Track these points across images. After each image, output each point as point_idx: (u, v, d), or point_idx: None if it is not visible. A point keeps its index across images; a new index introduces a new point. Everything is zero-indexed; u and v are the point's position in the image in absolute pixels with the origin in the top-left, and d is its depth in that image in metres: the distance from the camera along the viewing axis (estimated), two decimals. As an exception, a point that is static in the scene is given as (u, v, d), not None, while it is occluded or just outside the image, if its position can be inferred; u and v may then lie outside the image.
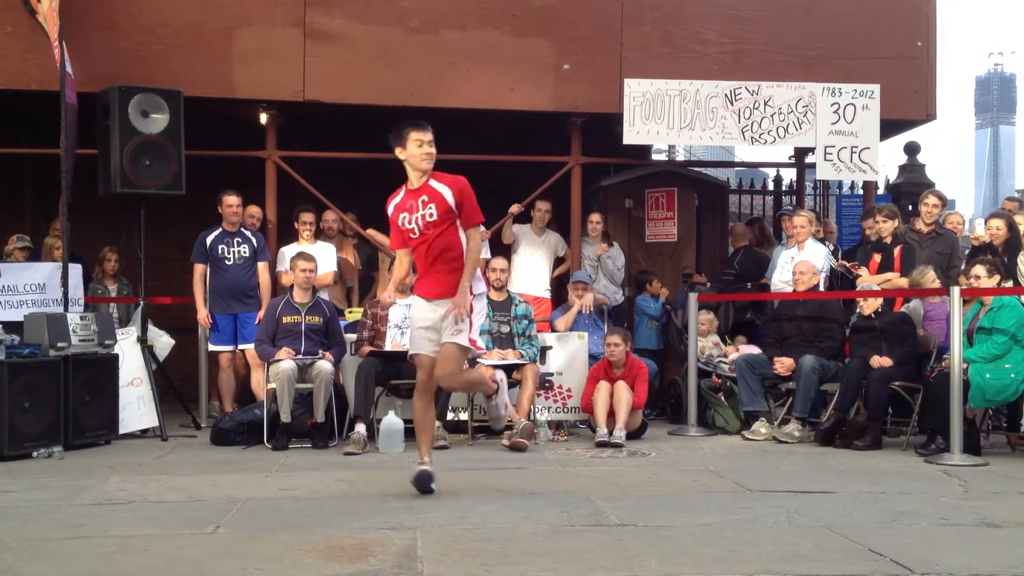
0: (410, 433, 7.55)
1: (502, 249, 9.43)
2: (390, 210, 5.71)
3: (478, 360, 7.85)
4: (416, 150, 5.57)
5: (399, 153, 5.64)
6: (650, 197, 10.39)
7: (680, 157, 17.34)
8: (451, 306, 5.45)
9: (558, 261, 9.81)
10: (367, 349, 7.80)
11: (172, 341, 8.80)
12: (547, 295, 9.58)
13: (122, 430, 7.80)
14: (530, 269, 9.47)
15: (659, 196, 10.38)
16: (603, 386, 7.93)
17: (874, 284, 8.25)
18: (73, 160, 7.99)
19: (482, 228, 9.22)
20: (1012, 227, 8.39)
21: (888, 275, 8.39)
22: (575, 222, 9.73)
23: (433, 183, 5.59)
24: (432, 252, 5.58)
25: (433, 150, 5.59)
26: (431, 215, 5.54)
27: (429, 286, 5.61)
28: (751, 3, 9.58)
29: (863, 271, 8.54)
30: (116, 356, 7.81)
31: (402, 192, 5.68)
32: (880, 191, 12.04)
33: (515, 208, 9.47)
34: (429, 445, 5.77)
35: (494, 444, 7.69)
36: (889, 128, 10.07)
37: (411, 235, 5.61)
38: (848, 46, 9.61)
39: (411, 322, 5.79)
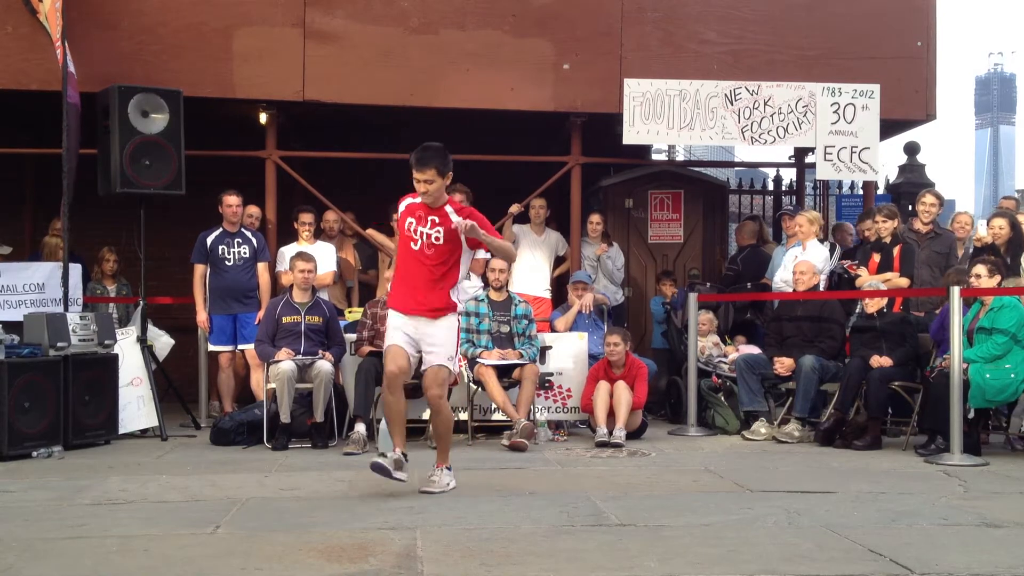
0: (410, 433, 7.55)
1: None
2: (402, 206, 5.75)
3: (477, 360, 7.87)
4: (417, 187, 5.64)
5: None
6: (654, 198, 10.38)
7: (680, 157, 17.34)
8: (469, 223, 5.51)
9: (558, 261, 9.79)
10: (367, 349, 7.80)
11: (172, 341, 8.81)
12: (547, 295, 9.56)
13: (122, 430, 7.80)
14: (530, 269, 9.45)
15: (664, 197, 10.38)
16: (603, 386, 7.93)
17: (880, 283, 8.25)
18: (76, 160, 8.00)
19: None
20: (1015, 226, 8.39)
21: (888, 275, 8.38)
22: (575, 222, 9.72)
23: (449, 210, 5.66)
24: (424, 274, 5.63)
25: (432, 187, 5.57)
26: (437, 238, 5.61)
27: (405, 301, 5.68)
28: (751, 3, 9.57)
29: (863, 271, 8.53)
30: (116, 356, 7.81)
31: (420, 198, 5.70)
32: (880, 191, 12.03)
33: (515, 208, 9.46)
34: (403, 436, 5.79)
35: (494, 444, 7.69)
36: (889, 128, 10.07)
37: (412, 243, 5.66)
38: (848, 46, 9.60)
39: (393, 326, 5.77)
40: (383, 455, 5.68)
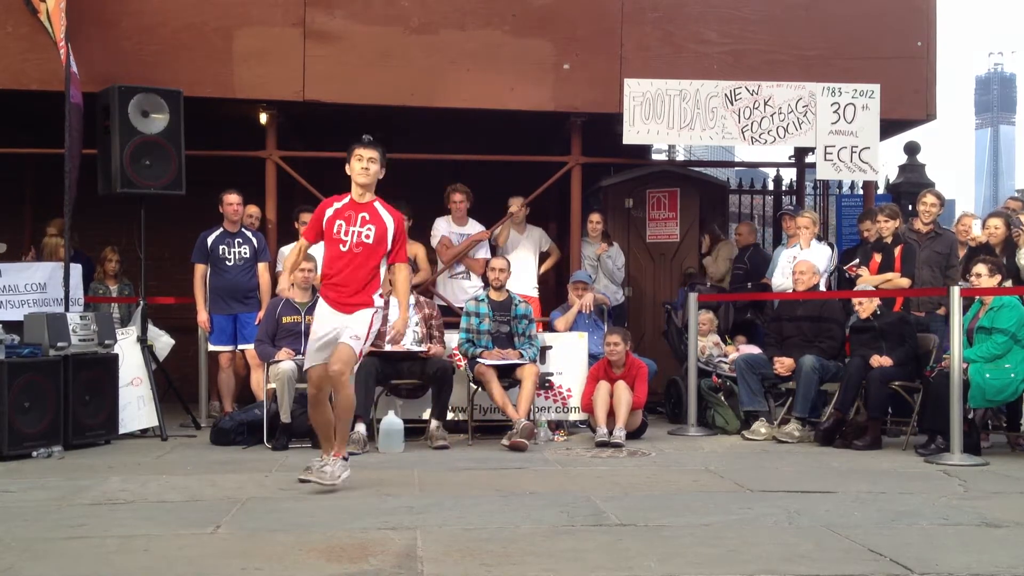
0: (410, 433, 7.58)
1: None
2: (329, 211, 5.79)
3: (478, 360, 7.87)
4: (356, 164, 5.74)
5: (347, 168, 5.82)
6: (651, 197, 10.37)
7: (680, 157, 17.34)
8: (397, 327, 6.03)
9: (543, 258, 9.71)
10: (368, 349, 7.78)
11: (172, 341, 8.80)
12: (535, 293, 9.43)
13: (122, 430, 7.80)
14: (516, 268, 9.34)
15: (661, 196, 10.37)
16: (603, 386, 7.93)
17: (870, 285, 8.25)
18: (78, 160, 8.00)
19: (481, 228, 9.28)
20: (1011, 227, 8.39)
21: (888, 275, 8.38)
22: (575, 222, 9.71)
23: (378, 206, 5.78)
24: (353, 271, 5.71)
25: (372, 167, 5.73)
26: (367, 236, 5.71)
27: (338, 299, 5.73)
28: (751, 3, 9.56)
29: (863, 271, 8.53)
30: (116, 356, 7.81)
31: (346, 199, 5.81)
32: (880, 191, 12.03)
33: (514, 208, 9.44)
34: (332, 441, 5.80)
35: (494, 444, 7.69)
36: (889, 128, 10.06)
37: (340, 245, 5.72)
38: (848, 46, 9.59)
39: (315, 336, 5.81)
40: (307, 468, 5.74)
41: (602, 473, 6.48)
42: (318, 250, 8.51)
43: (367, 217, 5.73)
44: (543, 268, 9.72)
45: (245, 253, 8.74)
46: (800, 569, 4.06)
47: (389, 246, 5.78)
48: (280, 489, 5.83)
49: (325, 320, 5.78)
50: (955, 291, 6.99)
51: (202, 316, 8.70)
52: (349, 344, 5.64)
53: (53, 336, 7.31)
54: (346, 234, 5.70)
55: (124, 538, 4.58)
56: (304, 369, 5.97)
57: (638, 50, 9.40)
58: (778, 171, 12.32)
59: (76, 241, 8.53)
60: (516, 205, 9.34)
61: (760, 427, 8.06)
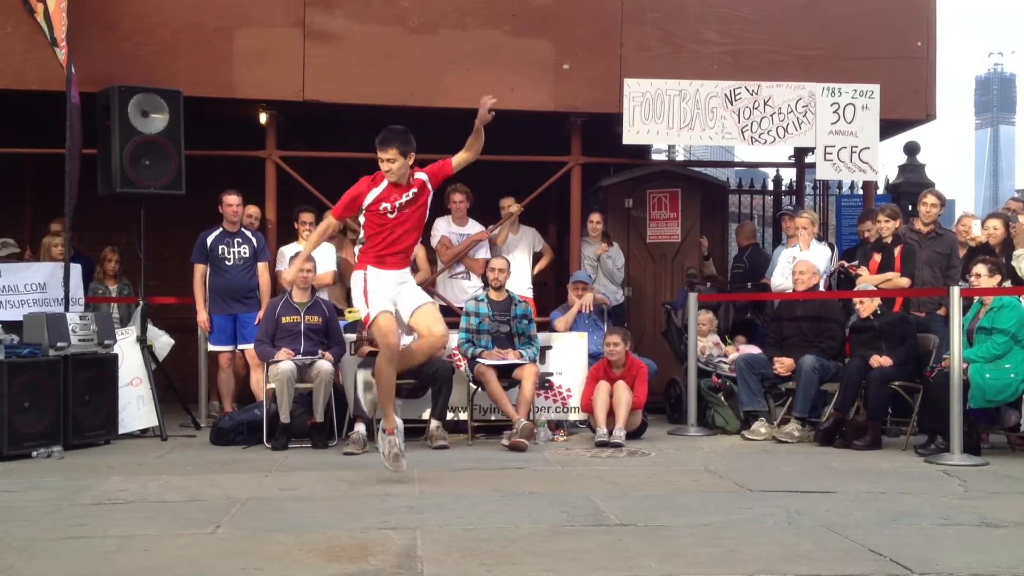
0: (410, 432, 7.56)
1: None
2: (370, 197, 6.12)
3: (477, 360, 7.87)
4: (381, 164, 6.12)
5: None
6: (652, 197, 10.37)
7: (680, 157, 17.33)
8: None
9: (537, 259, 9.68)
10: (367, 349, 7.80)
11: (171, 341, 8.81)
12: (529, 294, 9.36)
13: (122, 430, 7.80)
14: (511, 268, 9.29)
15: (662, 196, 10.36)
16: (603, 386, 7.93)
17: (870, 285, 8.25)
18: (79, 160, 8.00)
19: (480, 228, 9.27)
20: (1010, 227, 8.40)
21: (889, 275, 8.38)
22: (575, 222, 9.71)
23: (418, 175, 6.19)
24: (401, 229, 6.12)
25: (392, 165, 6.06)
26: (409, 199, 6.13)
27: (389, 260, 6.14)
28: (751, 3, 9.56)
29: (863, 271, 8.53)
30: (116, 356, 7.82)
31: (384, 184, 6.12)
32: (880, 191, 12.03)
33: (514, 208, 9.44)
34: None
35: (494, 444, 7.69)
36: (889, 128, 10.06)
37: (388, 214, 6.09)
38: (848, 46, 9.60)
39: (378, 291, 6.07)
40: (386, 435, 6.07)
41: (602, 473, 6.48)
42: (317, 250, 8.57)
43: (411, 194, 6.12)
44: (536, 269, 9.69)
45: (245, 253, 8.74)
46: (800, 569, 4.06)
47: (433, 180, 6.21)
48: (280, 489, 5.84)
49: (379, 278, 6.07)
50: (955, 291, 6.99)
51: (202, 316, 8.70)
52: (431, 302, 6.30)
53: (53, 336, 7.31)
54: (390, 210, 6.08)
55: (124, 538, 4.58)
56: (371, 318, 6.09)
57: (638, 50, 9.40)
58: (778, 171, 12.31)
59: (76, 241, 8.53)
60: (515, 205, 9.32)
61: (760, 427, 8.06)
